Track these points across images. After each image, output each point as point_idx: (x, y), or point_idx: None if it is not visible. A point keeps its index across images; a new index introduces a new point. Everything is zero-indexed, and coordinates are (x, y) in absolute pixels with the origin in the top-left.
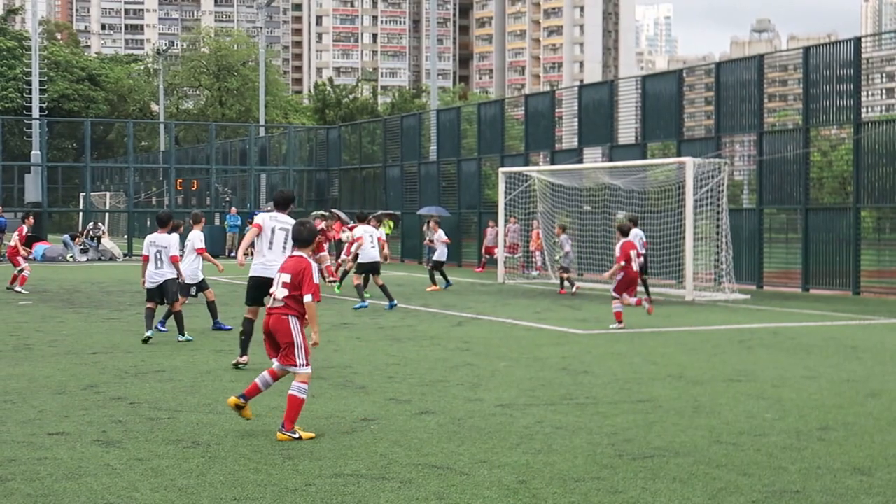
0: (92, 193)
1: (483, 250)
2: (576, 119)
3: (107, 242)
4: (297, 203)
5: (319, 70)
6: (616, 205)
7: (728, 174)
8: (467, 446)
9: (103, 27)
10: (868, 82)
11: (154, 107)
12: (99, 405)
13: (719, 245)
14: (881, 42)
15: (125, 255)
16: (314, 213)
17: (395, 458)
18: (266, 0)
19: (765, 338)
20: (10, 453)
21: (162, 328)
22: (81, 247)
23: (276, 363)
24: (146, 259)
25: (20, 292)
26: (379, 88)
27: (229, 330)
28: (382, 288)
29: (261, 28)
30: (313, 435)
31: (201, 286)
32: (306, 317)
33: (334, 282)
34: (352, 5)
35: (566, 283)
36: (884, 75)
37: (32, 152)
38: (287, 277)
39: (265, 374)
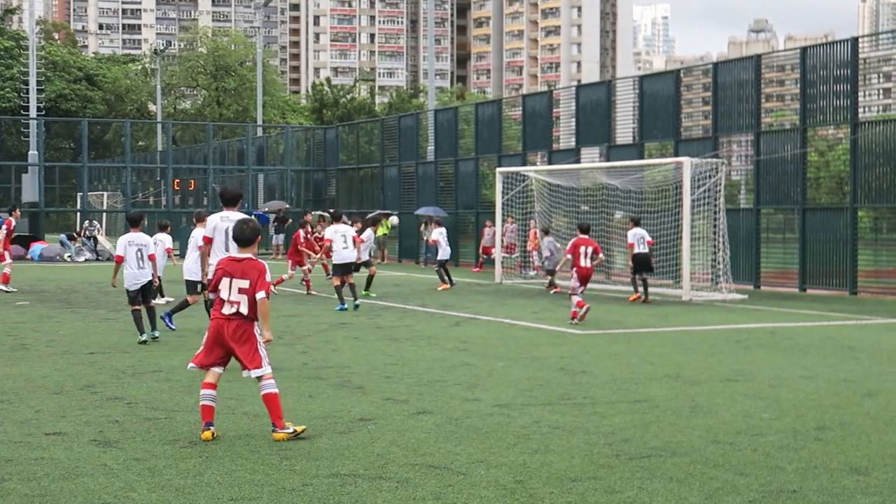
0: (89, 193)
1: (480, 250)
2: (573, 119)
3: (105, 242)
4: (295, 203)
5: (317, 70)
6: (613, 205)
7: (725, 174)
8: (464, 446)
9: (100, 27)
10: (865, 82)
11: (151, 107)
12: (96, 405)
13: (716, 245)
14: (878, 42)
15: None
16: (314, 213)
17: (392, 457)
18: (264, 0)
19: (762, 338)
20: (7, 453)
21: (170, 325)
22: (79, 246)
23: (214, 370)
24: (121, 260)
25: (6, 291)
26: (376, 88)
27: None
28: (350, 286)
29: (258, 28)
30: (305, 427)
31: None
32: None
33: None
34: (349, 5)
35: (547, 283)
36: (881, 75)
37: (29, 152)
38: (245, 283)
39: (208, 391)
